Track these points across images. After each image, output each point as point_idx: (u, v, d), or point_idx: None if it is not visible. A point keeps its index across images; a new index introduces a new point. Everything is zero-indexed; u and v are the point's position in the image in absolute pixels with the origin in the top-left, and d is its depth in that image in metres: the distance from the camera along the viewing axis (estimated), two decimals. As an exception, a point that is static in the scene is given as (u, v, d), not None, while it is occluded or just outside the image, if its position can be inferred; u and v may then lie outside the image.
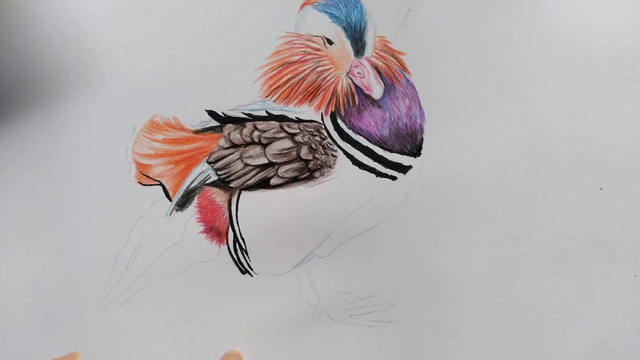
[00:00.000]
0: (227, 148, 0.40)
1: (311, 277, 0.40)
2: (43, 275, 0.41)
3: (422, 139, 0.40)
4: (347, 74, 0.40)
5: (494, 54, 0.40)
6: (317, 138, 0.40)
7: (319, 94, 0.40)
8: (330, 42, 0.40)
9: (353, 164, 0.40)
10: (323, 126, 0.40)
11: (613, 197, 0.39)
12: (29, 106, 0.41)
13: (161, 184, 0.41)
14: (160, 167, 0.41)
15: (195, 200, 0.41)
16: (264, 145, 0.40)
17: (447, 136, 0.40)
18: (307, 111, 0.40)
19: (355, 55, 0.40)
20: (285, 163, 0.40)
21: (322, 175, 0.40)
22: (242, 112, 0.40)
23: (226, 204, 0.40)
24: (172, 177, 0.41)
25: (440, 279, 0.39)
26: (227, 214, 0.40)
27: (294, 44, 0.40)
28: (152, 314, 0.40)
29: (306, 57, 0.40)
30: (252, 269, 0.40)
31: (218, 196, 0.41)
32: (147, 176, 0.41)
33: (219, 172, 0.40)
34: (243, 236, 0.40)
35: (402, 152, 0.40)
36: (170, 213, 0.40)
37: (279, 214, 0.40)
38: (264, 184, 0.40)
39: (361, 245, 0.40)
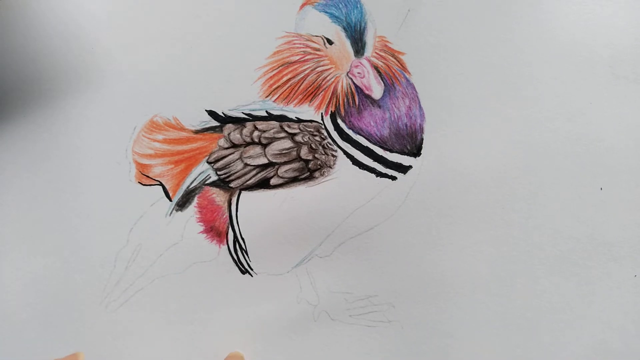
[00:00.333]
0: (227, 148, 0.40)
1: (311, 277, 0.40)
2: (43, 275, 0.41)
3: (422, 139, 0.40)
4: (347, 74, 0.40)
5: (494, 54, 0.40)
6: (317, 138, 0.40)
7: (319, 94, 0.40)
8: (330, 42, 0.40)
9: (353, 164, 0.40)
10: (323, 126, 0.40)
11: (613, 197, 0.39)
12: (29, 106, 0.41)
13: (161, 184, 0.41)
14: (160, 167, 0.41)
15: (195, 200, 0.41)
16: (264, 145, 0.40)
17: (447, 136, 0.40)
18: (307, 111, 0.40)
19: (355, 55, 0.40)
20: (285, 163, 0.40)
21: (322, 175, 0.40)
22: (242, 112, 0.40)
23: (226, 204, 0.40)
24: (172, 177, 0.41)
25: (440, 279, 0.39)
26: (227, 214, 0.40)
27: (294, 44, 0.40)
28: (152, 314, 0.40)
29: (306, 57, 0.40)
30: (252, 269, 0.40)
31: (218, 196, 0.40)
32: (147, 176, 0.41)
33: (219, 172, 0.40)
34: (243, 236, 0.40)
35: (402, 152, 0.40)
36: (170, 213, 0.40)
37: (279, 214, 0.40)
38: (264, 184, 0.40)
39: (361, 245, 0.40)
